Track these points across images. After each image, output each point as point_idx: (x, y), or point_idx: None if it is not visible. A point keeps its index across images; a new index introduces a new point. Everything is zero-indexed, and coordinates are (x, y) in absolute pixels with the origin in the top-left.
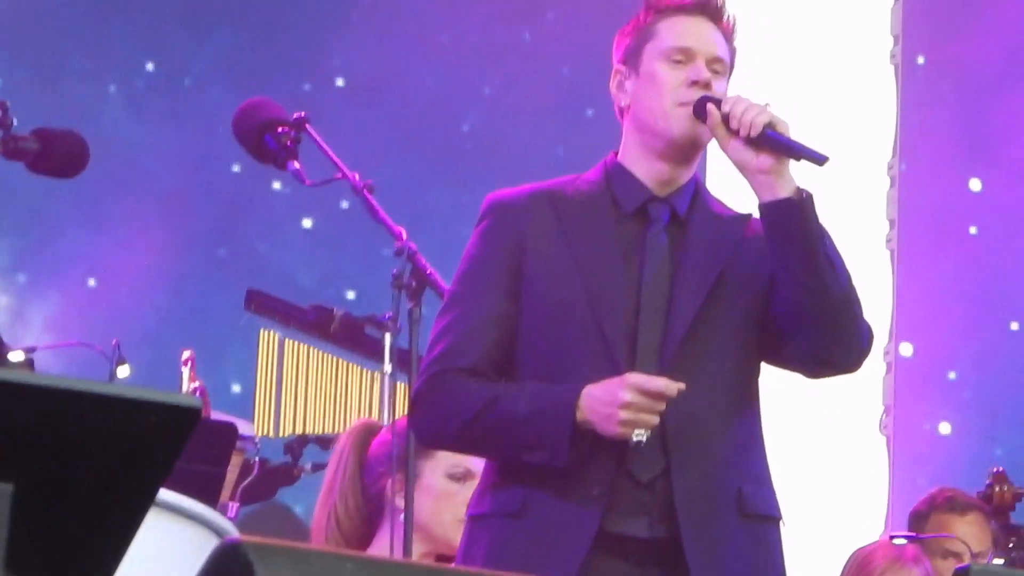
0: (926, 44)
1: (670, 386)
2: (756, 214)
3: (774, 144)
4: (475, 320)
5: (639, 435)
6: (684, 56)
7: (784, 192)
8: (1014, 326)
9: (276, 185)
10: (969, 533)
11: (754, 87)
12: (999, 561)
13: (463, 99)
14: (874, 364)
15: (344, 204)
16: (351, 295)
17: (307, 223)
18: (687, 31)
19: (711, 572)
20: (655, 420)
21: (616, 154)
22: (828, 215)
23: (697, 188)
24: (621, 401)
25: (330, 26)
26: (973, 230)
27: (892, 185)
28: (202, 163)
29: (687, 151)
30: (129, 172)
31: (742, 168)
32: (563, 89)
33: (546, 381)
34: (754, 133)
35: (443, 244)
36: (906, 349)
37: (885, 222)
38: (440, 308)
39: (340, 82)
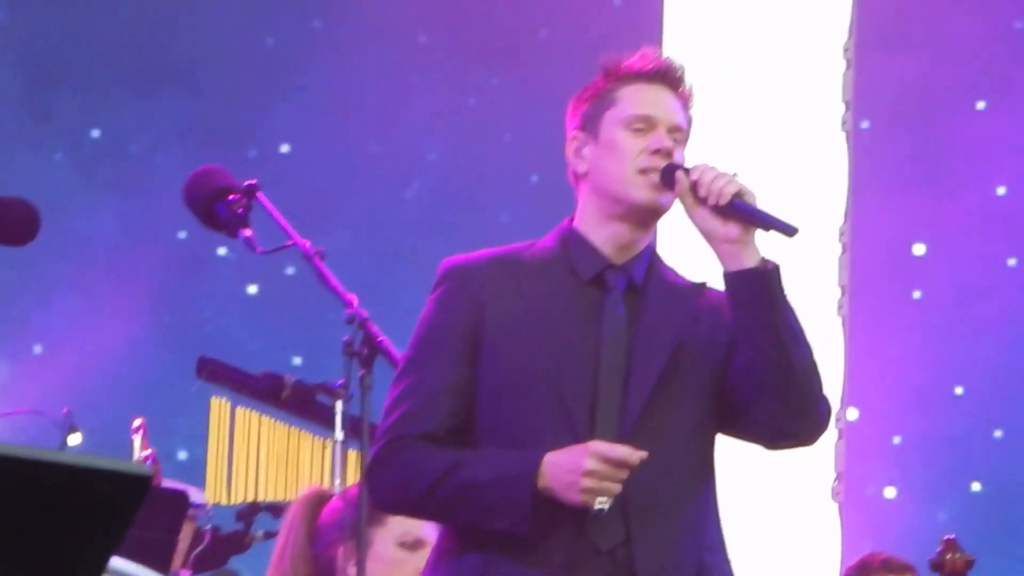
0: (872, 110)
1: (633, 455)
2: (709, 283)
3: (743, 214)
4: (433, 387)
5: (601, 503)
6: (645, 124)
7: (750, 262)
8: (959, 390)
9: (221, 251)
10: None
11: (706, 154)
12: None
13: (407, 165)
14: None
15: (289, 270)
16: (297, 361)
17: (252, 289)
18: (648, 99)
19: None
20: (617, 488)
21: (571, 220)
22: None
23: (652, 256)
24: (584, 469)
25: (275, 93)
26: (917, 294)
27: (843, 252)
28: (148, 230)
29: (646, 219)
30: (74, 238)
31: (708, 237)
32: (507, 155)
33: (505, 449)
34: (722, 202)
35: (388, 311)
36: (852, 413)
37: (837, 288)
38: (396, 374)
39: (285, 148)
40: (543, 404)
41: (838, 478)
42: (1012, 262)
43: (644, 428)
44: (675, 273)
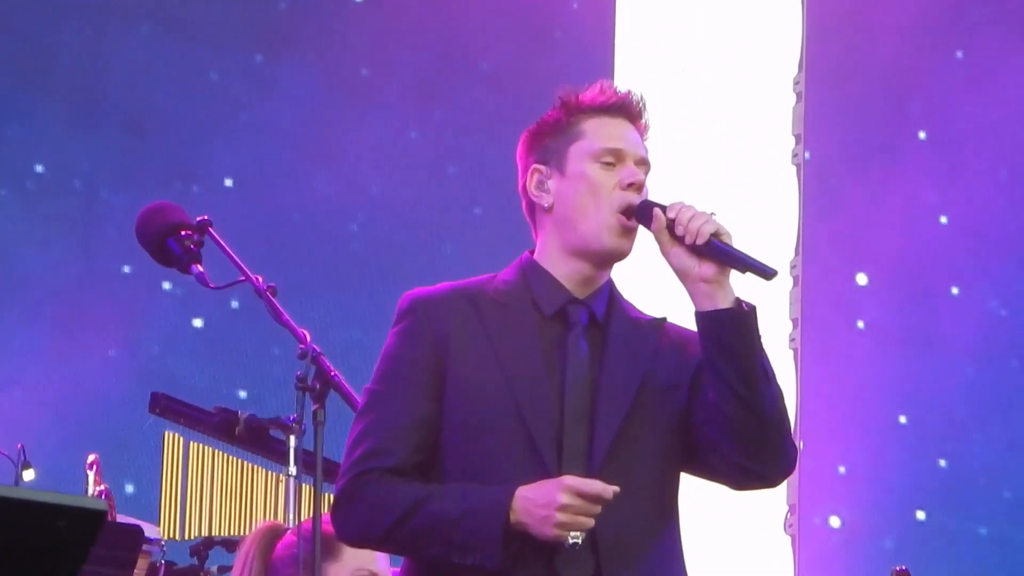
0: (819, 142)
1: (606, 489)
2: (668, 318)
3: (720, 254)
4: (399, 421)
5: (575, 538)
6: (614, 157)
7: (725, 302)
8: (902, 419)
9: (166, 285)
10: None
11: (656, 186)
12: None
13: (351, 199)
14: None
15: (234, 304)
16: (243, 394)
17: (198, 323)
18: (615, 133)
19: None
20: (591, 523)
21: (531, 254)
22: None
23: (612, 291)
24: (558, 503)
25: (219, 127)
26: (860, 324)
27: (795, 284)
28: (92, 264)
29: (615, 257)
30: (19, 273)
31: (682, 275)
32: (450, 188)
33: (472, 484)
34: (700, 241)
35: (334, 344)
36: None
37: (788, 322)
38: (360, 407)
39: (229, 182)
40: (511, 442)
41: (790, 510)
42: (955, 291)
43: (611, 466)
44: (635, 308)
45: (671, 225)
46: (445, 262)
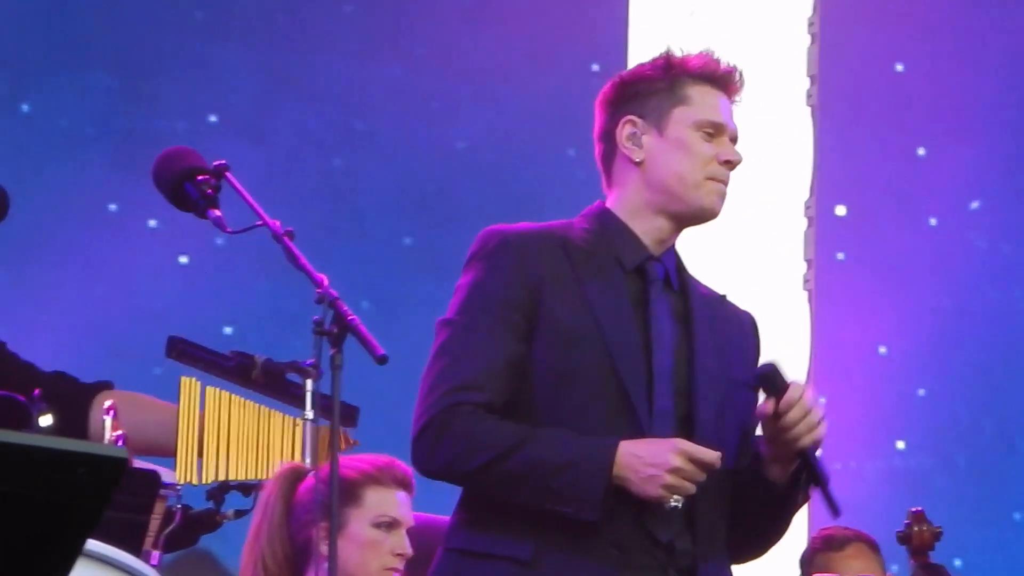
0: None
1: (717, 459)
2: (725, 295)
3: (808, 464)
4: (492, 358)
5: (676, 501)
6: (715, 130)
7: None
8: (882, 350)
9: (152, 223)
10: (852, 566)
11: None
12: None
13: (335, 135)
14: None
15: (219, 241)
16: (228, 330)
17: (184, 259)
18: (719, 105)
19: None
20: (693, 489)
21: (605, 204)
22: None
23: (678, 253)
24: (671, 465)
25: (202, 66)
26: (841, 256)
27: (810, 225)
28: (78, 202)
29: (696, 222)
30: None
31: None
32: (433, 123)
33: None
34: (801, 447)
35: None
36: None
37: (803, 263)
38: (442, 340)
39: (213, 118)
40: (603, 393)
41: None
42: (933, 222)
43: (707, 440)
44: (694, 275)
45: (783, 410)
46: (425, 197)
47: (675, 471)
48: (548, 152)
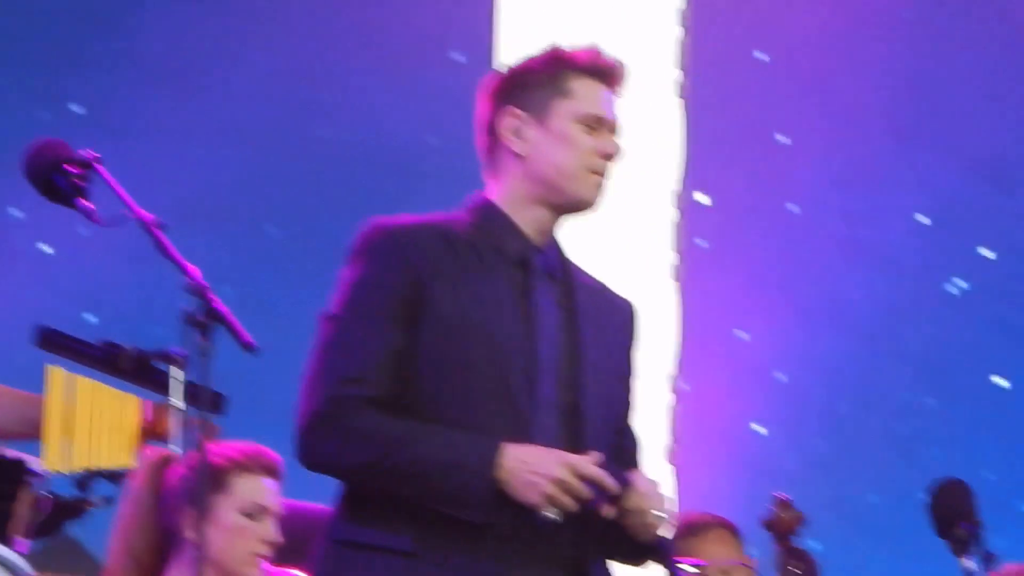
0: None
1: (608, 482)
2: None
3: (660, 553)
4: (375, 350)
5: (556, 514)
6: (597, 124)
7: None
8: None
9: (14, 211)
10: (713, 551)
11: None
12: None
13: (219, 124)
14: None
15: (84, 231)
16: (92, 319)
17: (47, 249)
18: (602, 99)
19: None
20: (575, 507)
21: (485, 195)
22: None
23: (559, 241)
24: (553, 476)
25: (67, 54)
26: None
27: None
28: None
29: (585, 207)
30: None
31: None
32: (299, 114)
33: (442, 423)
34: (648, 537)
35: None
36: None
37: (671, 253)
38: (325, 334)
39: (76, 108)
40: (486, 384)
41: (674, 442)
42: (796, 209)
43: (582, 421)
44: (576, 263)
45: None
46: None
47: (558, 482)
48: (414, 141)
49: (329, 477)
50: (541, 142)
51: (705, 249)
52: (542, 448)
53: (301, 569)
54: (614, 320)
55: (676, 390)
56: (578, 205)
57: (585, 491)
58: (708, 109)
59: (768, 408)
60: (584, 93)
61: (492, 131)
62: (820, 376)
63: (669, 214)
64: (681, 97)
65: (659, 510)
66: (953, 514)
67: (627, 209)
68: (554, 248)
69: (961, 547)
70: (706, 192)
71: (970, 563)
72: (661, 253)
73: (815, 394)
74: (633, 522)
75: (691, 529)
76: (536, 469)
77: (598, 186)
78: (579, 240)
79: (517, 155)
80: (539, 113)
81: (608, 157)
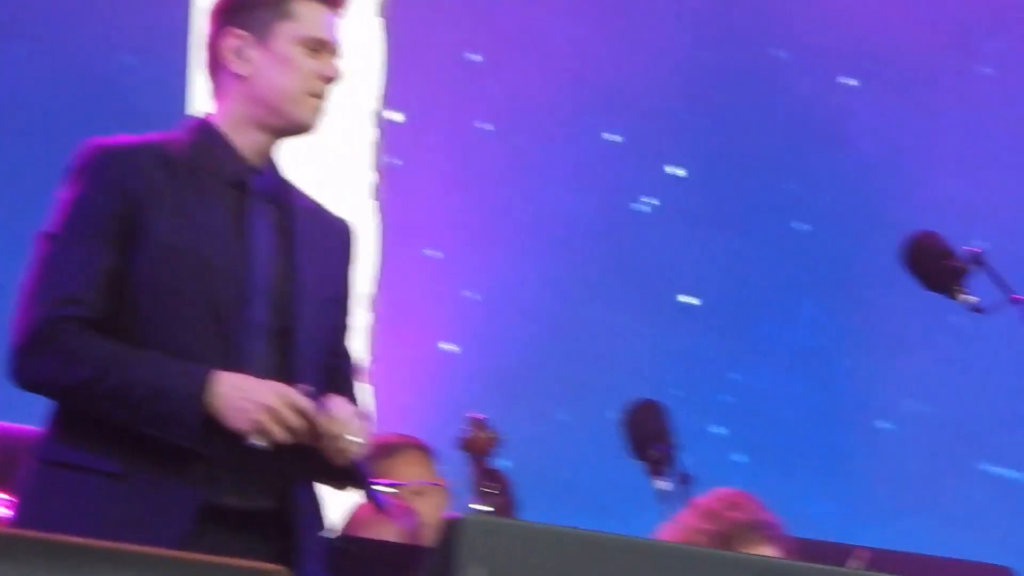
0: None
1: (320, 418)
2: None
3: (357, 476)
4: (93, 272)
5: (263, 440)
6: (319, 46)
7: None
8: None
9: None
10: (406, 472)
11: None
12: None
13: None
14: None
15: None
16: None
17: None
18: (325, 22)
19: (312, 540)
20: (285, 438)
21: (205, 116)
22: None
23: (277, 163)
24: (265, 404)
25: None
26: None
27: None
28: None
29: (296, 135)
30: None
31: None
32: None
33: (154, 346)
34: (343, 461)
35: None
36: None
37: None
38: (40, 253)
39: None
40: (196, 307)
41: (372, 362)
42: (489, 127)
43: (291, 345)
44: (295, 185)
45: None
46: None
47: (269, 411)
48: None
49: (41, 397)
50: (262, 64)
51: (399, 167)
52: (254, 378)
53: (5, 491)
54: (331, 242)
55: (374, 309)
56: (297, 128)
57: (295, 421)
58: (405, 26)
59: (461, 327)
60: (306, 15)
61: (214, 51)
62: (512, 295)
63: (368, 133)
64: (381, 16)
65: (354, 435)
66: (647, 435)
67: (330, 128)
68: (272, 171)
69: (656, 468)
70: (399, 110)
71: (665, 484)
72: (362, 173)
73: (507, 313)
74: (329, 447)
75: (385, 451)
76: (249, 396)
77: (317, 109)
78: (287, 161)
79: (238, 76)
80: (261, 34)
81: (328, 80)
